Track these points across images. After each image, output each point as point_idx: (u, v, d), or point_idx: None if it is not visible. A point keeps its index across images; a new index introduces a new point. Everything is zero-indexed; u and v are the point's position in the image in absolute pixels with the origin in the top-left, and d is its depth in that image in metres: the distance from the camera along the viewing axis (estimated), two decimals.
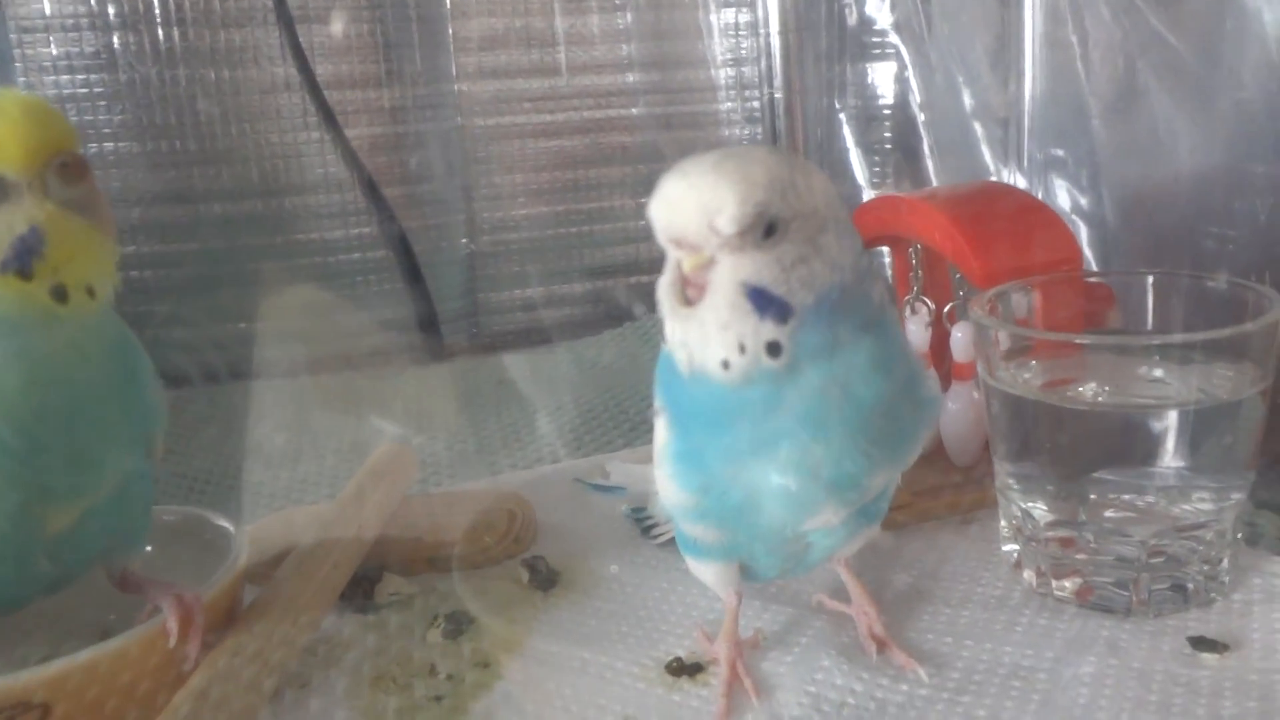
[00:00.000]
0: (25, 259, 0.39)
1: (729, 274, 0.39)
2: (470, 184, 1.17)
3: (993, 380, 0.54)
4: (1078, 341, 0.53)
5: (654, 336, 1.11)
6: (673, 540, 0.60)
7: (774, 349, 0.39)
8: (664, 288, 0.40)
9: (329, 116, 1.07)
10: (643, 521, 0.63)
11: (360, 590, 0.58)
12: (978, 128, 0.97)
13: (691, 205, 0.39)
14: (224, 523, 0.54)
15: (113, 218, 0.42)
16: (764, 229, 0.38)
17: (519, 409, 0.96)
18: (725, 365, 0.39)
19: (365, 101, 1.10)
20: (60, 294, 0.40)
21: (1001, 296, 0.56)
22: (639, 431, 0.87)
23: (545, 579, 0.58)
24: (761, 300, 0.38)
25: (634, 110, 1.19)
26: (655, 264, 1.31)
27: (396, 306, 1.12)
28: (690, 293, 0.39)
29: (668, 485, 0.45)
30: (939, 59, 1.00)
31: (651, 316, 1.14)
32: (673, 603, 0.56)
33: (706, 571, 0.49)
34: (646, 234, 1.34)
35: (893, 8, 1.10)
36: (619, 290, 1.19)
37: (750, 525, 0.44)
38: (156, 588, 0.47)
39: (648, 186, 1.34)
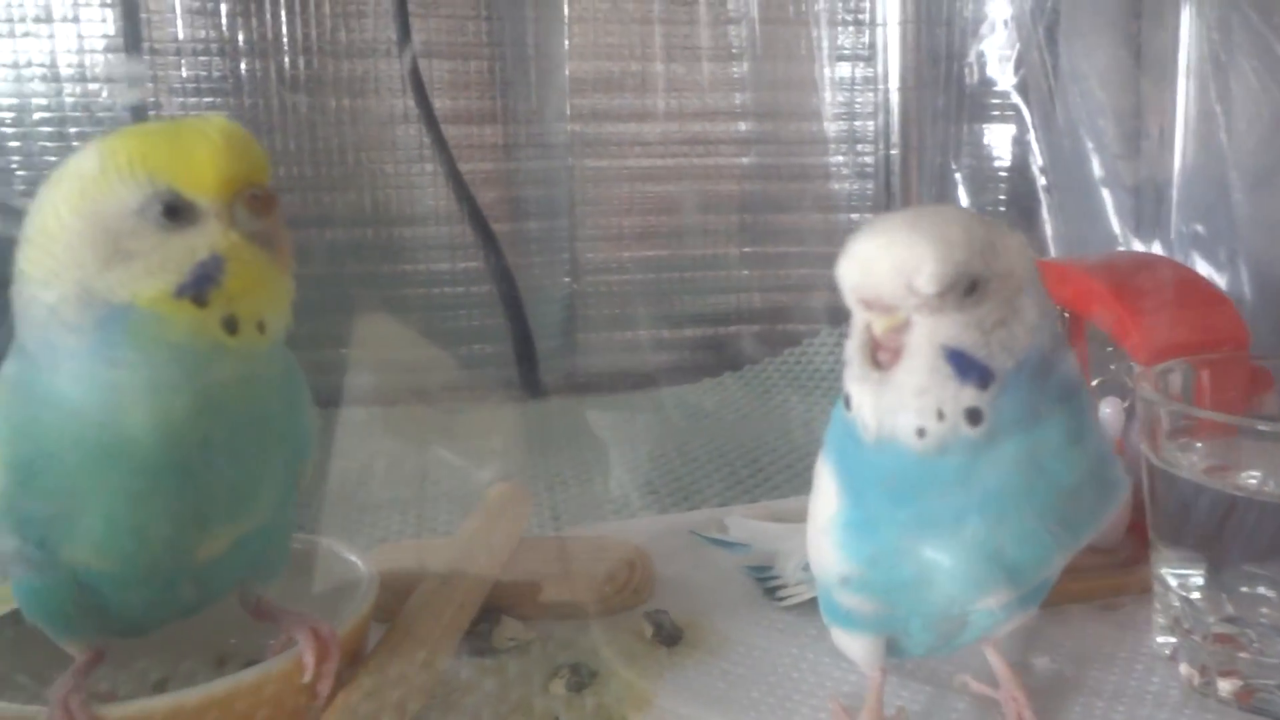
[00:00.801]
0: (203, 286, 0.38)
1: (927, 336, 0.37)
2: (575, 224, 1.17)
3: (1158, 461, 0.51)
4: (1260, 428, 0.50)
5: (756, 386, 1.09)
6: (800, 604, 0.58)
7: (974, 416, 0.37)
8: (853, 351, 0.38)
9: (444, 150, 1.08)
10: (767, 581, 0.61)
11: (477, 632, 0.57)
12: (1106, 195, 0.94)
13: (888, 264, 0.37)
14: (352, 556, 0.54)
15: (291, 255, 0.41)
16: (964, 289, 0.37)
17: (617, 453, 0.94)
18: (920, 433, 0.37)
19: (479, 137, 1.11)
20: (231, 325, 0.39)
21: (1165, 374, 0.54)
22: (745, 485, 0.85)
23: (669, 635, 0.56)
24: (962, 363, 0.37)
25: (743, 160, 1.18)
26: (756, 314, 1.30)
27: (497, 342, 1.12)
28: (882, 356, 0.38)
29: (832, 554, 0.43)
30: (1067, 123, 0.98)
31: (754, 367, 1.13)
32: (804, 670, 0.54)
33: (853, 644, 0.47)
34: (749, 283, 1.33)
35: (1016, 69, 1.08)
36: (720, 338, 1.18)
37: (915, 600, 0.42)
38: (291, 618, 0.46)
39: (753, 236, 1.33)
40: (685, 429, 1.00)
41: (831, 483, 0.42)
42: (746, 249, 1.18)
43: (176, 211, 0.38)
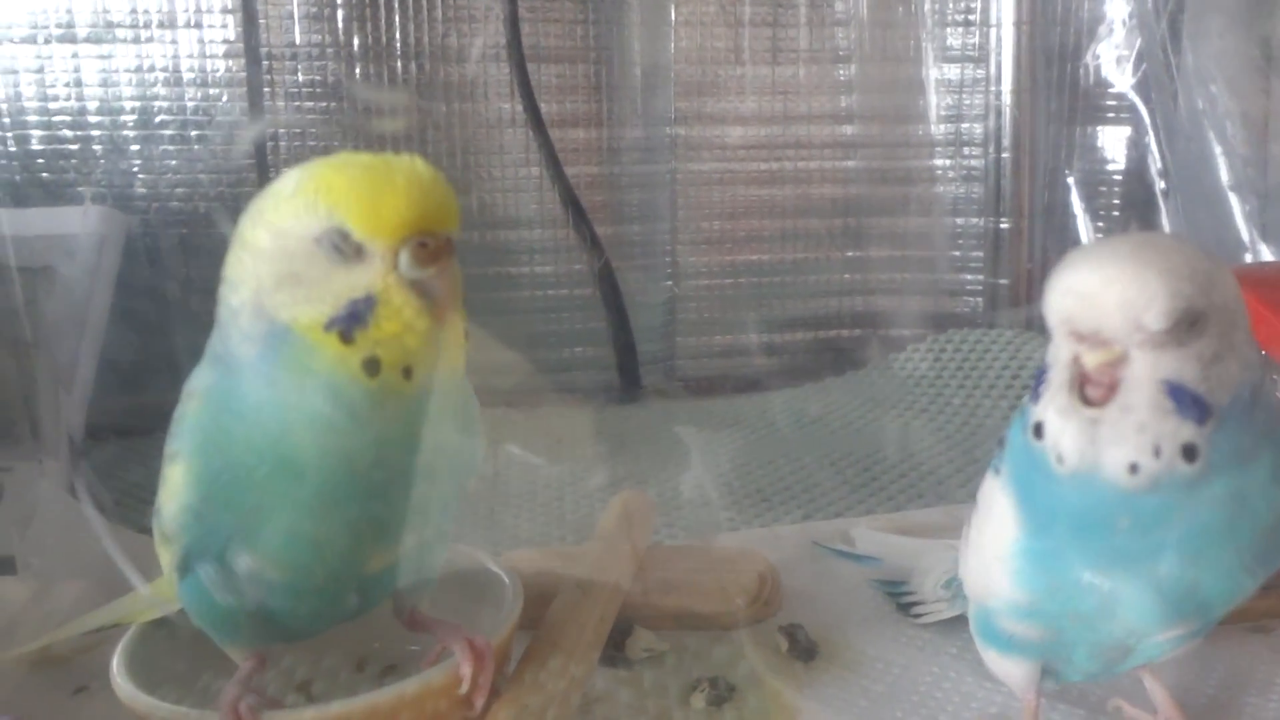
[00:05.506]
0: (349, 324, 0.38)
1: (1149, 371, 0.36)
2: (678, 227, 1.17)
3: None
4: None
5: (861, 392, 1.08)
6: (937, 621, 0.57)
7: (1190, 453, 0.36)
8: (1058, 383, 0.37)
9: (551, 154, 1.08)
10: (901, 597, 0.60)
11: (611, 642, 0.57)
12: (1233, 200, 0.91)
13: (1112, 298, 0.36)
14: (495, 566, 0.54)
15: (456, 305, 0.40)
16: (1188, 324, 0.36)
17: (723, 458, 0.94)
18: (1133, 469, 0.36)
19: (584, 140, 1.11)
20: (372, 368, 0.38)
21: None
22: (860, 495, 0.84)
23: (805, 649, 0.56)
24: (1183, 399, 0.36)
25: (849, 163, 1.17)
26: (859, 318, 1.28)
27: (599, 345, 1.12)
28: (1092, 391, 0.37)
29: (1005, 582, 0.42)
30: (1191, 126, 0.95)
31: (858, 372, 1.11)
32: (947, 690, 0.53)
33: (1010, 668, 0.46)
34: (852, 288, 1.31)
35: (1135, 69, 1.05)
36: (823, 343, 1.17)
37: (1088, 630, 0.41)
38: (446, 629, 0.47)
39: (855, 240, 1.31)
40: (792, 435, 1.00)
41: (1011, 510, 0.41)
42: (850, 253, 1.17)
43: (344, 247, 0.38)
